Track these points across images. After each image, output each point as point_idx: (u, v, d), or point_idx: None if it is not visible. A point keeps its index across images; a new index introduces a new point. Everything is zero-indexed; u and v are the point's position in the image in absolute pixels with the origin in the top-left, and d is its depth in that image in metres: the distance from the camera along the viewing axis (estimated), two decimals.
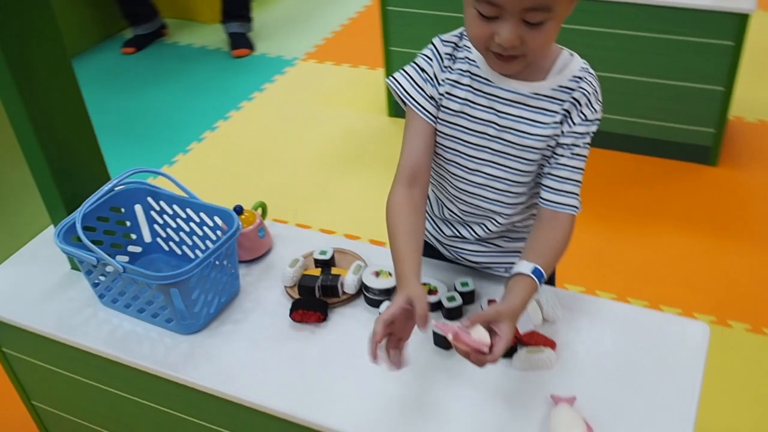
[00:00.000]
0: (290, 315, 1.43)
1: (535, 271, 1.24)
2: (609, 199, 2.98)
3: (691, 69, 2.89)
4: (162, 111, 3.83)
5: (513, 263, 1.35)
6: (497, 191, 1.40)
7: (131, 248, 1.60)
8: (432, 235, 1.61)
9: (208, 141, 3.55)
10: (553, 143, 1.33)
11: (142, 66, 4.28)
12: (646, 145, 3.16)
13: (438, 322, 1.18)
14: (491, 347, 1.15)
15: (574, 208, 1.33)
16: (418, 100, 1.36)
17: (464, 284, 1.45)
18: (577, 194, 1.34)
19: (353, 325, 1.43)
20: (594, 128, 1.34)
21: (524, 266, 1.25)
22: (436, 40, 1.37)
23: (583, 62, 1.33)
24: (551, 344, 1.35)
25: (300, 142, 3.48)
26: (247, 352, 1.39)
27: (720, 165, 3.11)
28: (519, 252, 1.40)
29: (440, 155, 1.42)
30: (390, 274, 1.46)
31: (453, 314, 1.41)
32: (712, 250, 2.71)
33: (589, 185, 1.48)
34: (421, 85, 1.36)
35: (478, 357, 1.15)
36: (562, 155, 1.33)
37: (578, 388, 1.28)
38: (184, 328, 1.42)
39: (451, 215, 1.51)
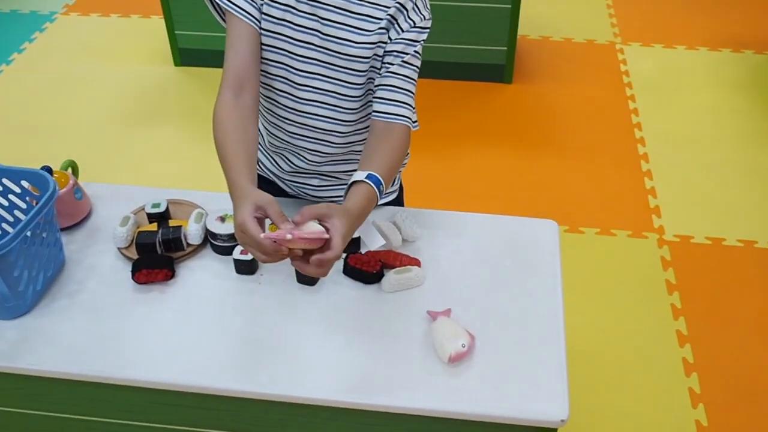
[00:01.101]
0: (133, 277, 1.28)
1: (370, 177, 1.18)
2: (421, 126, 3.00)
3: None
4: None
5: None
6: (328, 107, 1.34)
7: None
8: (269, 170, 1.52)
9: None
10: (380, 51, 1.28)
11: None
12: (445, 70, 3.21)
13: (267, 234, 1.05)
14: (329, 242, 1.07)
15: (408, 119, 1.29)
16: (237, 3, 1.25)
17: None
18: (409, 105, 1.29)
19: (205, 277, 1.32)
20: (424, 36, 1.30)
21: (359, 174, 1.19)
22: None
23: None
24: (416, 262, 1.32)
25: (84, 104, 3.19)
26: (92, 324, 1.24)
27: (515, 82, 3.24)
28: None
29: (266, 72, 1.32)
30: None
31: None
32: (523, 162, 2.83)
33: None
34: None
35: (319, 261, 1.06)
36: (391, 63, 1.28)
37: (451, 300, 1.26)
38: (8, 312, 1.23)
39: (282, 143, 1.42)
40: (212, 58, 3.29)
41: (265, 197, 1.09)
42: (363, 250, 1.33)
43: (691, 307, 2.25)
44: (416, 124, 1.33)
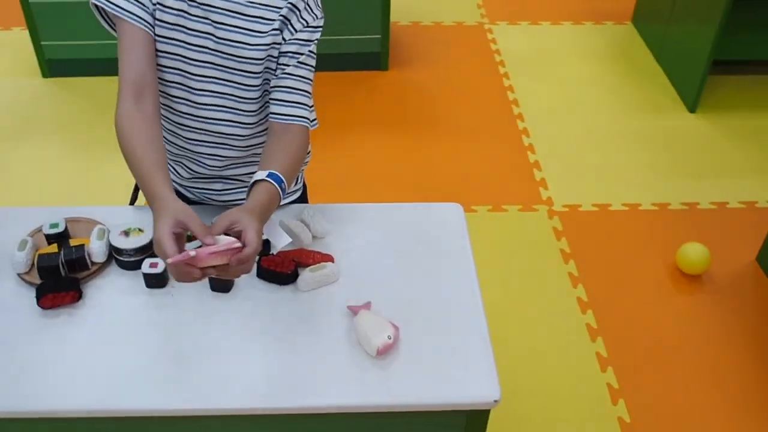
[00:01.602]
0: (38, 303, 1.23)
1: (271, 175, 1.19)
2: None
3: None
4: None
5: None
6: (227, 110, 1.33)
7: None
8: (174, 181, 1.48)
9: None
10: (275, 53, 1.29)
11: None
12: (322, 62, 3.20)
13: (175, 257, 1.03)
14: (244, 240, 1.08)
15: (305, 119, 1.30)
16: (128, 8, 1.22)
17: None
18: (306, 105, 1.30)
19: (115, 295, 1.28)
20: (318, 35, 1.31)
21: (260, 174, 1.20)
22: None
23: None
24: (329, 258, 1.32)
25: None
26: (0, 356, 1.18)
27: (391, 68, 3.28)
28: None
29: (161, 79, 1.30)
30: (141, 230, 1.32)
31: None
32: (410, 146, 2.88)
33: None
34: None
35: (239, 260, 1.06)
36: (286, 65, 1.28)
37: (369, 292, 1.28)
38: None
39: (179, 150, 1.40)
40: (83, 67, 3.17)
41: (186, 210, 1.08)
42: (273, 251, 1.33)
43: (587, 274, 2.36)
44: (315, 122, 1.34)
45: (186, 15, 1.24)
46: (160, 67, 1.28)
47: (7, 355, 1.18)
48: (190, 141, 1.37)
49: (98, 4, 1.23)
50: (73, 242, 1.33)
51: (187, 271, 1.04)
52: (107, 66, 3.17)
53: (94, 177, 2.69)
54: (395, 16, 3.55)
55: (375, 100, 3.13)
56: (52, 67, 3.20)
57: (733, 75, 3.29)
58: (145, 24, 1.23)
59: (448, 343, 1.20)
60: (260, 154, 1.39)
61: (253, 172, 1.29)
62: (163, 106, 1.34)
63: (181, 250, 1.05)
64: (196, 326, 1.23)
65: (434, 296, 1.28)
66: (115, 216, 1.40)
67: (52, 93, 3.17)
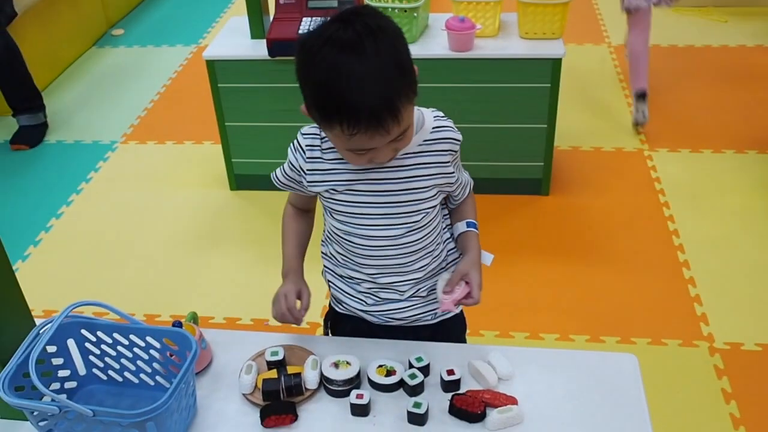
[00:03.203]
0: (262, 423, 1.43)
1: (469, 224, 1.64)
2: None
3: (518, 111, 3.17)
4: None
5: (436, 309, 1.63)
6: (402, 245, 1.56)
7: (67, 385, 1.53)
8: (358, 309, 1.69)
9: (45, 243, 3.35)
10: (439, 183, 1.53)
11: None
12: (486, 186, 3.40)
13: (443, 305, 1.56)
14: (470, 293, 1.55)
15: (470, 183, 1.69)
16: (295, 187, 1.60)
17: (419, 359, 1.53)
18: (466, 174, 1.65)
19: (324, 418, 1.46)
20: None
21: (461, 226, 1.65)
22: (298, 135, 1.53)
23: (429, 111, 1.53)
24: (513, 401, 1.46)
25: (147, 229, 3.39)
26: None
27: (551, 194, 3.43)
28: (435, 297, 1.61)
29: (337, 232, 1.57)
30: (348, 363, 1.51)
31: (417, 390, 1.48)
32: (568, 274, 2.98)
33: None
34: (290, 175, 1.57)
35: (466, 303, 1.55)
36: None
37: None
38: None
39: (368, 288, 1.64)
40: (265, 182, 3.50)
41: (305, 286, 1.65)
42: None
43: (749, 416, 2.35)
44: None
45: (355, 182, 1.49)
46: (335, 226, 1.57)
47: None
48: (375, 276, 1.62)
49: (273, 179, 1.62)
50: (290, 369, 1.53)
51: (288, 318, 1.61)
52: None
53: (274, 286, 2.95)
54: (556, 140, 3.71)
55: (534, 225, 3.27)
56: (239, 181, 3.56)
57: None
58: (300, 190, 1.60)
59: None
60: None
61: (430, 289, 1.63)
62: (344, 253, 1.62)
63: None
64: None
65: None
66: (320, 346, 1.60)
67: (237, 205, 3.51)
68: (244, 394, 1.50)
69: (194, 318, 1.64)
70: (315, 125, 1.47)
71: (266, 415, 1.43)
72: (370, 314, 1.68)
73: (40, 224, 3.46)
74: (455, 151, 1.54)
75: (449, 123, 1.54)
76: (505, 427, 1.42)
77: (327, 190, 1.52)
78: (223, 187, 3.61)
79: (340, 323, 1.77)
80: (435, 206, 1.55)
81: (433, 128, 1.50)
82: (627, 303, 2.83)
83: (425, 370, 1.52)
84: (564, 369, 1.55)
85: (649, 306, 2.81)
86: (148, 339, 1.47)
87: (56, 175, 3.83)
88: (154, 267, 3.15)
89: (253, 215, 3.43)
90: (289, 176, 1.57)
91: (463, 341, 1.81)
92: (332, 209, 1.54)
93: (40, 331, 1.42)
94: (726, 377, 2.49)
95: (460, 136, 1.54)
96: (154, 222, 3.44)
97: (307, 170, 1.52)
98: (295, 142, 1.53)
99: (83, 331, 1.49)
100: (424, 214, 1.53)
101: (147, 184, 3.71)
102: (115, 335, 1.48)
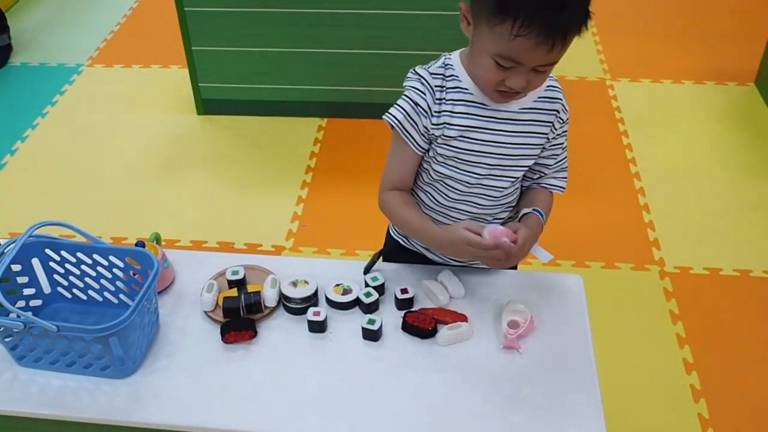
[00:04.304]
0: (222, 338, 1.50)
1: (535, 210, 1.55)
2: None
3: None
4: None
5: None
6: (491, 198, 1.59)
7: (32, 302, 1.58)
8: (423, 247, 1.73)
9: (11, 166, 3.35)
10: (542, 149, 1.55)
11: None
12: None
13: (490, 234, 1.41)
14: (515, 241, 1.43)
15: (562, 189, 1.62)
16: (411, 133, 1.50)
17: (374, 278, 1.59)
18: (566, 178, 1.62)
19: (283, 336, 1.53)
20: (568, 124, 1.57)
21: (526, 209, 1.57)
22: (424, 73, 1.49)
23: None
24: (463, 318, 1.53)
25: (114, 153, 3.40)
26: (191, 381, 1.44)
27: None
28: None
29: (436, 177, 1.56)
30: (306, 282, 1.57)
31: (371, 307, 1.55)
32: None
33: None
34: (415, 119, 1.49)
35: (509, 250, 1.41)
36: (553, 149, 1.57)
37: (493, 353, 1.48)
38: (121, 373, 1.44)
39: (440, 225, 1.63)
40: (232, 107, 3.52)
41: (460, 224, 1.46)
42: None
43: (694, 336, 2.48)
44: (563, 189, 1.64)
45: (469, 128, 1.48)
46: (436, 170, 1.55)
47: (195, 379, 1.45)
48: (453, 220, 1.63)
49: (388, 121, 1.51)
50: (250, 288, 1.59)
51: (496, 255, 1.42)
52: (254, 107, 3.51)
53: (240, 209, 3.00)
54: None
55: None
56: (207, 105, 3.56)
57: None
58: (420, 149, 1.52)
59: (562, 405, 1.39)
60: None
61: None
62: (432, 194, 1.62)
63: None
64: (349, 367, 1.46)
65: (555, 359, 1.47)
66: (284, 266, 1.66)
67: (205, 130, 3.52)
68: (205, 312, 1.57)
69: (157, 238, 1.69)
70: (428, 66, 1.49)
71: (227, 332, 1.50)
72: (433, 253, 1.72)
73: (5, 147, 3.45)
74: (562, 120, 1.54)
75: (559, 85, 1.55)
76: (454, 342, 1.50)
77: (443, 135, 1.49)
78: (190, 111, 3.61)
79: (400, 256, 1.75)
80: (530, 165, 1.58)
81: (548, 87, 1.52)
82: (582, 228, 2.92)
83: (380, 289, 1.59)
84: (514, 289, 1.62)
85: (604, 231, 2.90)
86: (111, 258, 1.52)
87: (21, 98, 3.80)
88: (121, 190, 3.17)
89: (219, 139, 3.45)
90: (411, 119, 1.49)
91: None
92: (440, 154, 1.53)
93: (5, 251, 1.46)
94: (674, 299, 2.61)
95: (567, 106, 1.56)
96: (121, 145, 3.44)
97: (435, 112, 1.47)
98: (421, 82, 1.48)
99: (47, 251, 1.54)
100: (524, 171, 1.57)
101: (113, 107, 3.70)
102: (79, 254, 1.53)
